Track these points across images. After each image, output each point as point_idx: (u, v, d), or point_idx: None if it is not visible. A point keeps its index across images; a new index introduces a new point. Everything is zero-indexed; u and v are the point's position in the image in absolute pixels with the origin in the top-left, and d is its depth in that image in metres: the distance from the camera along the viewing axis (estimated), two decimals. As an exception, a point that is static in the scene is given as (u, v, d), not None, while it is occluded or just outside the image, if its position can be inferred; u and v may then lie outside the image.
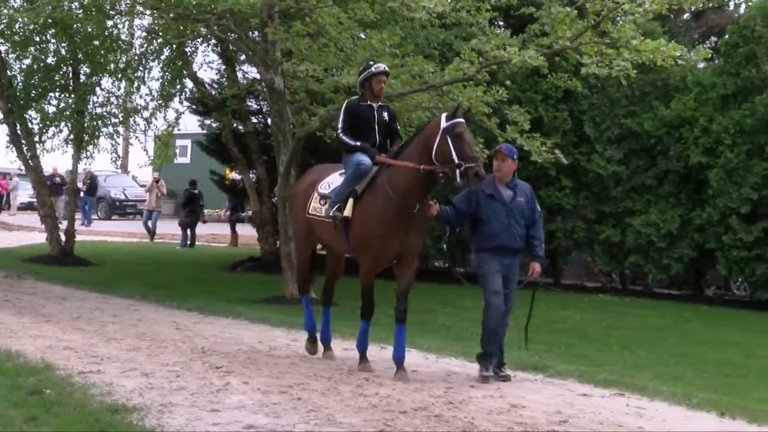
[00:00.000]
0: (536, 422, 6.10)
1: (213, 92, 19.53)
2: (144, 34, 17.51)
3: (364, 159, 7.48)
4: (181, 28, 15.33)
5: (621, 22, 11.85)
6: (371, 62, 8.12)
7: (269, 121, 16.94)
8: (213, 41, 17.57)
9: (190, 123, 23.06)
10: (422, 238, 7.82)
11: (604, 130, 17.35)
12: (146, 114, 18.58)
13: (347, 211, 7.37)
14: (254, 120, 20.29)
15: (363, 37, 13.72)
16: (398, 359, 7.48)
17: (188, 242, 23.35)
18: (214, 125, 21.03)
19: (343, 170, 7.76)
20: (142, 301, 12.60)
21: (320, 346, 8.47)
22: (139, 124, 19.25)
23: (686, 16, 21.06)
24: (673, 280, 16.91)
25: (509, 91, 14.01)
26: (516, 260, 7.57)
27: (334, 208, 7.46)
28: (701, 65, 16.83)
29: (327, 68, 13.40)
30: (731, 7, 24.20)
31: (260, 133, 19.80)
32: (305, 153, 16.81)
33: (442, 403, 6.62)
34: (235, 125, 19.54)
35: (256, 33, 14.10)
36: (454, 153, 6.99)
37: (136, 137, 20.17)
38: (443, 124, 7.19)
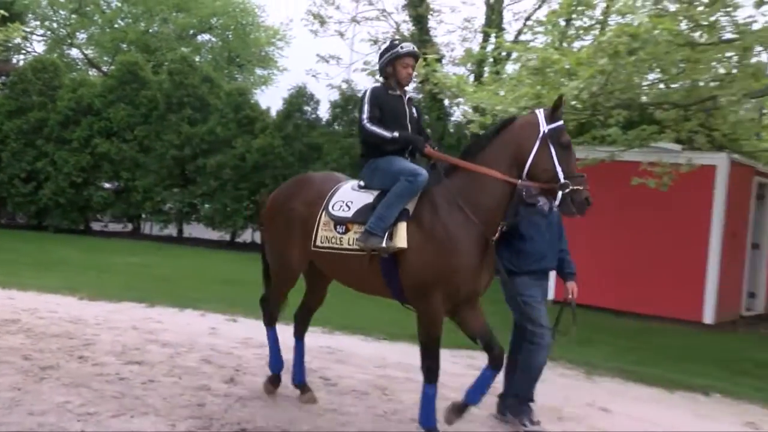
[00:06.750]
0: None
1: None
2: None
3: (417, 168, 4.16)
4: None
5: None
6: (397, 40, 4.89)
7: None
8: None
9: None
10: (493, 273, 4.24)
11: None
12: None
13: (401, 240, 4.02)
14: None
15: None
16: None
17: None
18: None
19: (360, 182, 4.44)
20: None
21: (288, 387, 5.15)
22: None
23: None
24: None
25: None
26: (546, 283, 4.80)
27: (385, 237, 4.05)
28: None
29: None
30: (15, 61, 27.00)
31: None
32: None
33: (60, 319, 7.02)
34: None
35: None
36: (559, 169, 3.88)
37: None
38: (544, 126, 3.95)
